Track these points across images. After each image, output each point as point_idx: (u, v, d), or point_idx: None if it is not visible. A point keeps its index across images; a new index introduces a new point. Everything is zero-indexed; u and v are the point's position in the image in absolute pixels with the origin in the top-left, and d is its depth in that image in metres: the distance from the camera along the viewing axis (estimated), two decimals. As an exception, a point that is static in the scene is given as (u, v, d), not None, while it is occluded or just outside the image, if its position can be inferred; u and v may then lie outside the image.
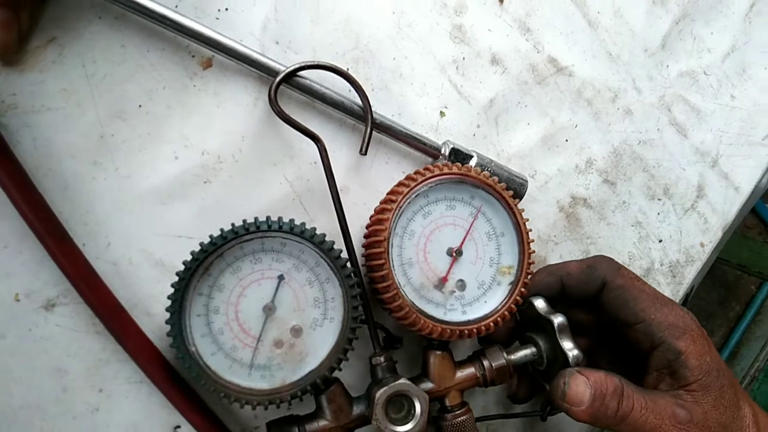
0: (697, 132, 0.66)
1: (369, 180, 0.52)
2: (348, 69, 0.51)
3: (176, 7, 0.46)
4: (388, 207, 0.46)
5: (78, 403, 0.46)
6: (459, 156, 0.52)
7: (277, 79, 0.47)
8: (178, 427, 0.49)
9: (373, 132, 0.51)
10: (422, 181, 0.47)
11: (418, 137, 0.52)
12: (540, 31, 0.59)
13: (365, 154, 0.50)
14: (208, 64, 0.48)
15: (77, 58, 0.45)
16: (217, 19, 0.48)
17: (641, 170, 0.64)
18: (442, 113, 0.55)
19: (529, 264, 0.49)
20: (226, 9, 0.48)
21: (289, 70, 0.47)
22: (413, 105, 0.54)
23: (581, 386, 0.47)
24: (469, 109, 0.56)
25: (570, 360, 0.49)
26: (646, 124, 0.64)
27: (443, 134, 0.55)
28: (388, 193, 0.49)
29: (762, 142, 0.69)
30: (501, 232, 0.50)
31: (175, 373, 0.47)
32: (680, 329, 0.50)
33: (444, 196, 0.49)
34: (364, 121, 0.50)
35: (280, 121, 0.49)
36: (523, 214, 0.49)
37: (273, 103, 0.47)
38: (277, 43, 0.49)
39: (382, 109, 0.51)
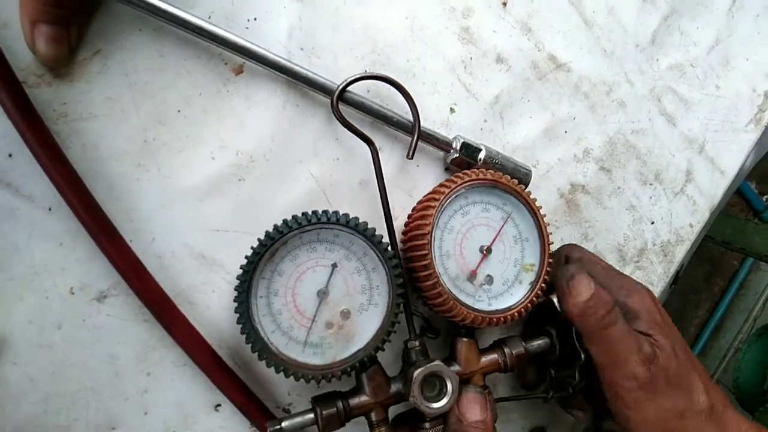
0: (685, 120, 0.71)
1: (387, 173, 0.56)
2: (366, 71, 0.55)
3: (209, 18, 0.50)
4: (432, 204, 0.51)
5: (129, 386, 0.50)
6: (469, 149, 0.56)
7: (338, 90, 0.51)
8: (219, 405, 0.53)
9: (390, 129, 0.55)
10: (461, 184, 0.52)
11: (431, 133, 0.56)
12: (540, 30, 0.63)
13: (411, 158, 0.55)
14: (239, 71, 0.51)
15: (120, 68, 0.48)
16: (247, 28, 0.51)
17: (634, 157, 0.69)
18: (452, 110, 0.59)
19: (549, 264, 0.55)
20: (255, 19, 0.51)
21: (348, 81, 0.51)
22: (425, 102, 0.58)
23: (584, 282, 0.53)
24: (476, 105, 0.60)
25: (582, 357, 0.55)
26: (638, 115, 0.69)
27: (453, 129, 0.59)
28: (430, 193, 0.54)
29: (745, 129, 0.74)
30: (526, 237, 0.55)
31: (216, 356, 0.51)
32: (630, 290, 0.55)
33: (481, 200, 0.54)
34: (412, 129, 0.55)
35: (305, 123, 0.53)
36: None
37: (335, 110, 0.51)
38: (302, 49, 0.53)
39: (397, 106, 0.55)
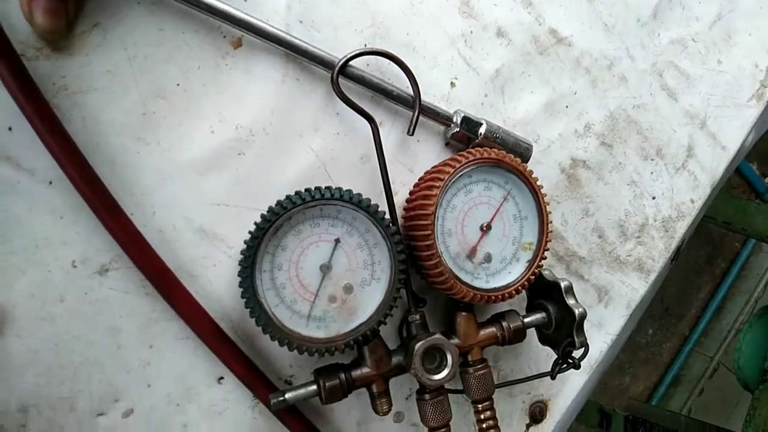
0: (686, 96, 0.71)
1: (388, 148, 0.56)
2: (366, 45, 0.55)
3: (207, -10, 0.49)
4: (436, 184, 0.51)
5: (131, 358, 0.51)
6: (470, 124, 0.56)
7: (338, 66, 0.51)
8: (222, 378, 0.53)
9: (390, 104, 0.55)
10: (466, 163, 0.52)
11: (432, 107, 0.56)
12: (541, 4, 0.62)
13: (412, 134, 0.54)
14: (238, 44, 0.51)
15: (119, 42, 0.48)
16: (245, 0, 0.51)
17: (635, 133, 0.68)
18: (452, 84, 0.59)
19: (547, 243, 0.55)
20: (253, -9, 0.51)
21: (347, 57, 0.51)
22: (426, 77, 0.58)
23: None
24: (477, 79, 0.60)
25: (576, 315, 0.55)
26: (640, 90, 0.68)
27: (454, 104, 0.59)
28: (433, 171, 0.54)
29: (747, 104, 0.74)
30: (525, 216, 0.56)
31: (218, 328, 0.51)
32: None
33: (484, 178, 0.54)
34: (412, 104, 0.54)
35: (305, 96, 0.53)
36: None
37: (335, 85, 0.51)
38: (301, 22, 0.53)
39: (397, 81, 0.55)
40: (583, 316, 0.55)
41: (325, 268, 0.49)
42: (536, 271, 0.55)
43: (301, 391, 0.50)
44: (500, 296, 0.54)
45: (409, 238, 0.53)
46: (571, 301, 0.56)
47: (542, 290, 0.59)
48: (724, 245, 2.18)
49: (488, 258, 0.55)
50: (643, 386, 2.13)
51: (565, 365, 0.59)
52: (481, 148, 0.54)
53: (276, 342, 0.48)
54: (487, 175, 0.54)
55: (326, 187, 0.48)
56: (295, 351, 0.48)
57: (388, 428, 0.61)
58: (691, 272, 2.14)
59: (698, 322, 2.16)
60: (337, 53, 0.52)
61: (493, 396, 0.56)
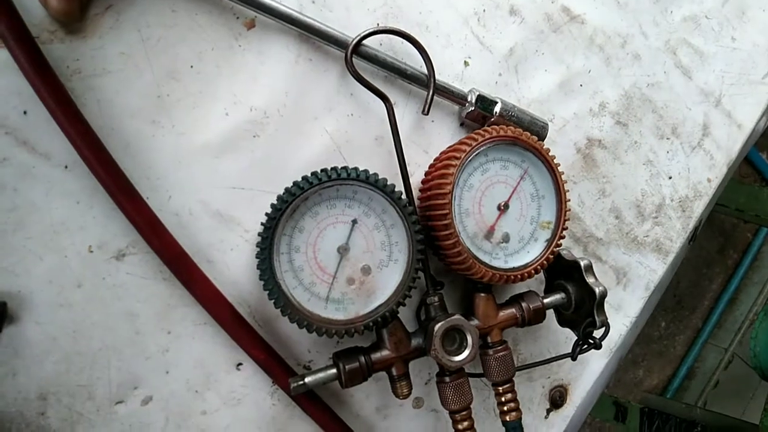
0: (700, 73, 0.70)
1: (402, 129, 0.55)
2: (378, 24, 0.55)
3: (219, -29, 0.49)
4: (453, 163, 0.50)
5: (150, 344, 0.50)
6: (485, 102, 0.56)
7: (351, 45, 0.51)
8: (240, 364, 0.53)
9: (404, 84, 0.54)
10: (482, 141, 0.51)
11: (446, 86, 0.55)
12: (553, -19, 0.62)
13: (427, 113, 0.54)
14: (251, 25, 0.51)
15: (132, 24, 0.47)
16: (257, -19, 0.51)
17: (650, 111, 0.68)
18: (466, 63, 0.59)
19: (565, 221, 0.54)
20: (265, -29, 0.51)
21: (361, 35, 0.51)
22: (439, 56, 0.57)
23: None
24: (491, 58, 0.59)
25: (597, 294, 0.54)
26: (654, 68, 0.68)
27: (468, 83, 0.58)
28: (449, 151, 0.54)
29: (762, 81, 0.73)
30: (543, 195, 0.55)
31: (237, 314, 0.51)
32: None
33: (501, 157, 0.53)
34: (426, 84, 0.54)
35: (318, 77, 0.53)
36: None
37: (349, 64, 0.51)
38: (313, 2, 0.52)
39: (411, 60, 0.55)
40: (604, 294, 0.55)
41: (343, 250, 0.49)
42: (555, 250, 0.55)
43: (321, 374, 0.49)
44: (519, 276, 0.53)
45: (426, 218, 0.53)
46: (591, 280, 0.55)
47: (561, 270, 0.59)
48: (736, 236, 2.16)
49: (506, 238, 0.54)
50: (657, 379, 2.12)
51: (585, 345, 0.58)
52: (497, 126, 0.53)
53: (295, 324, 0.47)
54: (504, 154, 0.54)
55: (342, 167, 0.47)
56: (314, 334, 0.48)
57: (408, 414, 0.60)
58: (703, 264, 2.12)
59: (711, 313, 2.14)
60: (349, 33, 0.51)
61: (513, 378, 0.55)
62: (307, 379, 0.49)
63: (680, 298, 2.11)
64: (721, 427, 1.48)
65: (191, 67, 0.49)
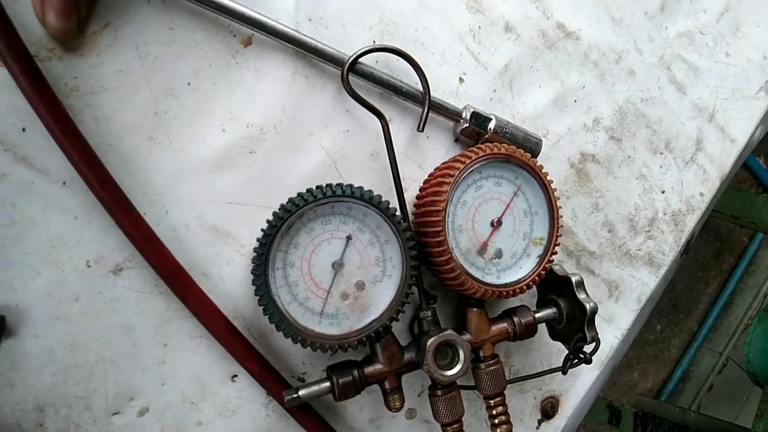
0: (695, 89, 0.71)
1: (397, 145, 0.56)
2: (374, 42, 0.55)
3: (217, -11, 0.50)
4: (446, 180, 0.51)
5: (146, 357, 0.51)
6: (479, 119, 0.56)
7: (348, 63, 0.51)
8: (235, 375, 0.54)
9: (400, 100, 0.55)
10: (476, 159, 0.52)
11: (441, 103, 0.56)
12: (548, -2, 0.62)
13: (422, 130, 0.55)
14: (248, 42, 0.51)
15: (130, 41, 0.48)
16: (255, -1, 0.51)
17: (644, 126, 0.68)
18: (461, 80, 0.59)
19: (558, 237, 0.55)
20: (262, -10, 0.51)
21: (357, 54, 0.51)
22: (435, 72, 0.57)
23: None
24: (485, 74, 0.60)
25: (587, 310, 0.55)
26: (648, 83, 0.68)
27: (463, 99, 0.59)
28: (443, 168, 0.54)
29: (755, 96, 0.74)
30: (535, 211, 0.56)
31: (232, 327, 0.51)
32: None
33: (494, 174, 0.54)
34: (422, 101, 0.55)
35: (314, 94, 0.53)
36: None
37: (345, 82, 0.51)
38: (310, 20, 0.53)
39: (406, 77, 0.55)
40: (594, 310, 0.55)
41: (337, 265, 0.50)
42: (547, 266, 0.56)
43: (315, 387, 0.50)
44: (511, 291, 0.54)
45: (419, 234, 0.54)
46: (582, 296, 0.56)
47: (553, 285, 0.59)
48: (732, 240, 2.17)
49: (499, 253, 0.55)
50: (651, 382, 2.13)
51: (576, 360, 0.59)
52: (491, 144, 0.54)
53: (289, 339, 0.48)
54: (497, 171, 0.54)
55: (337, 184, 0.48)
56: (308, 348, 0.49)
57: (401, 425, 0.61)
58: (699, 268, 2.13)
59: (706, 317, 2.15)
60: (346, 50, 0.52)
61: (505, 392, 0.56)
62: (301, 392, 0.49)
63: (676, 302, 2.12)
64: (713, 431, 1.49)
65: (188, 84, 0.50)
